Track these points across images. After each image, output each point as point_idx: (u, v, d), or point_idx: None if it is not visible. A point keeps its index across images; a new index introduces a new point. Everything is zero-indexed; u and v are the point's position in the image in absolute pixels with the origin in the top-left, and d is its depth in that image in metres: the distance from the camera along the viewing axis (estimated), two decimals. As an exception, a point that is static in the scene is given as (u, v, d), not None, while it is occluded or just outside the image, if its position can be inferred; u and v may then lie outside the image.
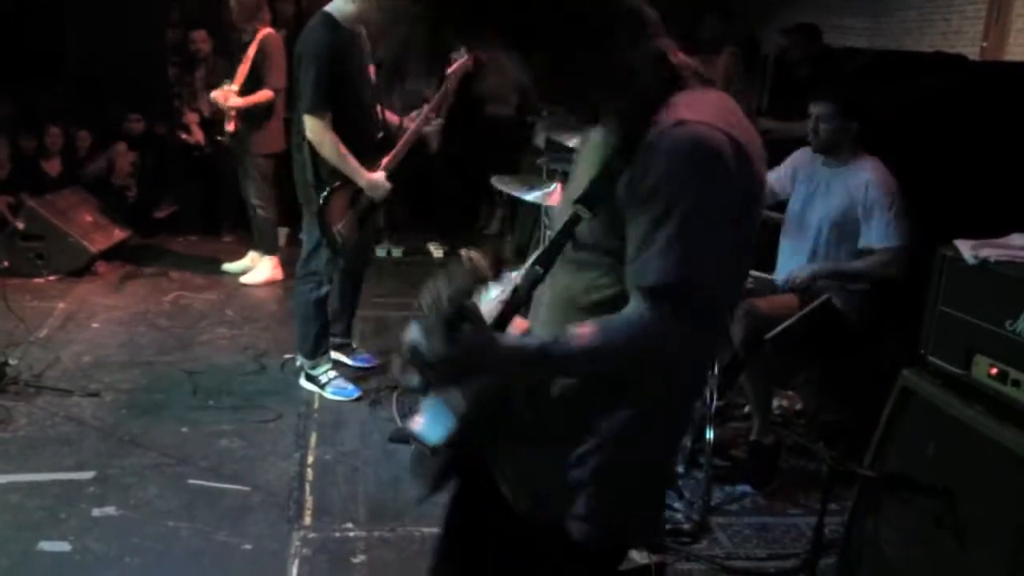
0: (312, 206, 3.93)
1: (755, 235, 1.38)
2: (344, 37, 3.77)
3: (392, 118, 4.11)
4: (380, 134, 4.02)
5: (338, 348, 4.46)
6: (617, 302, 1.35)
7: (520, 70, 1.31)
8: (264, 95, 5.66)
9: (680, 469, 3.58)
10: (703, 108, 1.29)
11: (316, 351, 4.22)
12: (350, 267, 4.29)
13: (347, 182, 3.88)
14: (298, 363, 4.40)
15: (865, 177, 3.53)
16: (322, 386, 4.23)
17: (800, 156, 3.78)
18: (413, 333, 1.32)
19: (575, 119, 1.43)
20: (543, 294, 1.48)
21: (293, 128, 4.05)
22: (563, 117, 1.45)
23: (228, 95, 5.65)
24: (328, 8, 3.82)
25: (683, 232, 1.25)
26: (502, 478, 1.54)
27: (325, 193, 3.85)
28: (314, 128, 3.76)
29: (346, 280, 4.36)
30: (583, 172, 1.43)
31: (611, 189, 1.32)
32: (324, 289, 4.13)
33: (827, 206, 3.60)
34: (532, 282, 1.41)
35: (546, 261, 1.41)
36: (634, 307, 1.31)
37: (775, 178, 3.75)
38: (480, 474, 1.57)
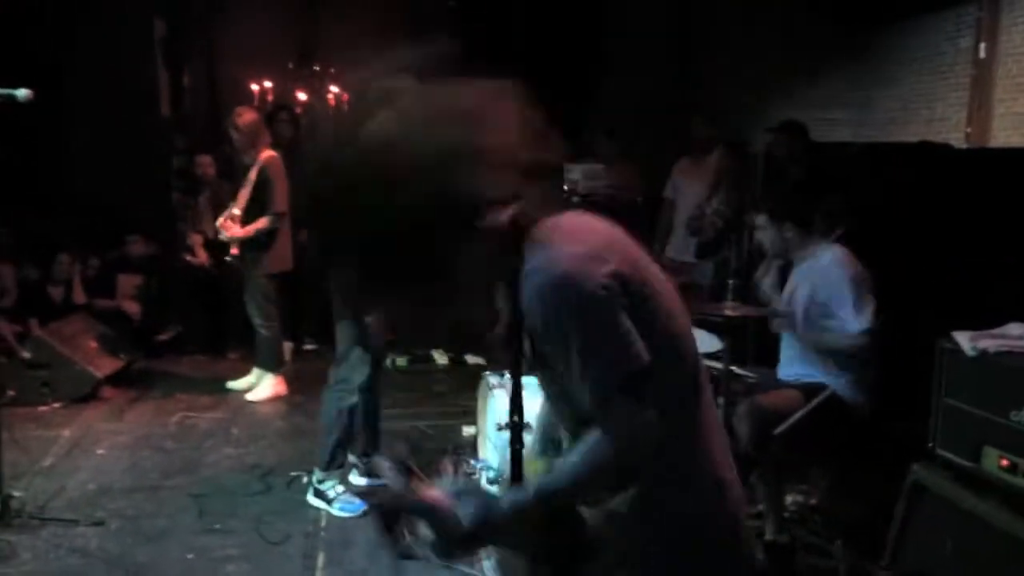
0: (349, 312, 3.98)
1: (657, 291, 1.51)
2: None
3: None
4: None
5: (370, 472, 4.42)
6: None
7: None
8: (263, 223, 5.76)
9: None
10: (542, 244, 1.46)
11: (332, 463, 4.19)
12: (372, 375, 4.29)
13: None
14: (305, 479, 4.36)
15: (830, 269, 3.59)
16: (329, 501, 4.17)
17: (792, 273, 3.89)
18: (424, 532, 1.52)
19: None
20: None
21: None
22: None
23: (229, 225, 5.76)
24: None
25: (588, 352, 1.42)
26: None
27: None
28: None
29: (367, 391, 4.33)
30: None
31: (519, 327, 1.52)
32: (354, 398, 4.13)
33: (800, 297, 3.67)
34: (518, 431, 1.63)
35: (517, 407, 1.63)
36: (592, 436, 1.45)
37: (784, 300, 3.85)
38: None
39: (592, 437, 1.45)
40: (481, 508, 1.47)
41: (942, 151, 4.80)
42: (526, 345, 1.54)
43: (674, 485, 1.53)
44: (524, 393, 1.63)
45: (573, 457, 1.48)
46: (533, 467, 1.66)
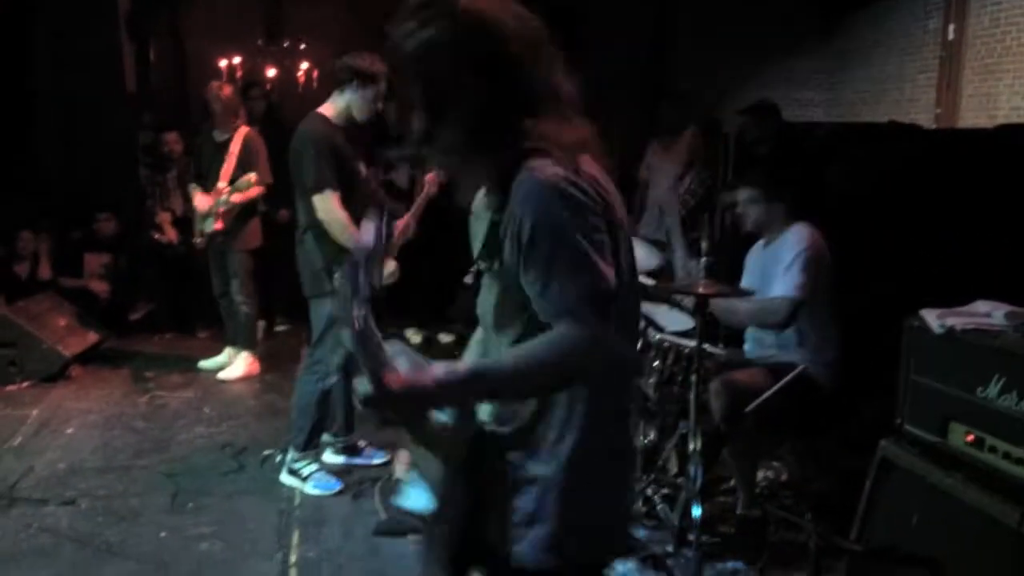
0: (324, 292, 3.96)
1: (627, 251, 1.60)
2: (338, 134, 3.94)
3: None
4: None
5: (345, 450, 4.43)
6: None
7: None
8: (257, 191, 5.73)
9: (669, 548, 3.55)
10: (551, 162, 1.52)
11: (309, 444, 4.19)
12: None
13: None
14: (278, 458, 4.35)
15: (785, 240, 3.64)
16: (304, 479, 4.17)
17: (751, 253, 3.94)
18: (361, 386, 1.49)
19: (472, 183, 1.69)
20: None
21: (299, 218, 4.08)
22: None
23: (216, 195, 5.70)
24: (320, 110, 4.02)
25: (572, 255, 1.47)
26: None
27: (338, 275, 3.90)
28: (325, 207, 3.86)
29: (344, 370, 4.32)
30: (479, 232, 1.67)
31: (496, 239, 1.57)
32: (330, 380, 4.12)
33: (757, 277, 3.72)
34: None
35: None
36: (560, 328, 1.48)
37: (746, 286, 3.89)
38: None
39: (556, 332, 1.47)
40: (417, 366, 1.49)
41: (911, 131, 4.86)
42: (503, 248, 1.57)
43: (608, 423, 1.60)
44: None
45: (529, 346, 1.50)
46: None
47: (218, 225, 5.79)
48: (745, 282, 3.94)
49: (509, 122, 1.56)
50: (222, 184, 5.72)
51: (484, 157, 1.60)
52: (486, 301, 1.67)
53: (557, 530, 1.58)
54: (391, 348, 1.51)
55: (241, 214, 5.80)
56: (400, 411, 1.50)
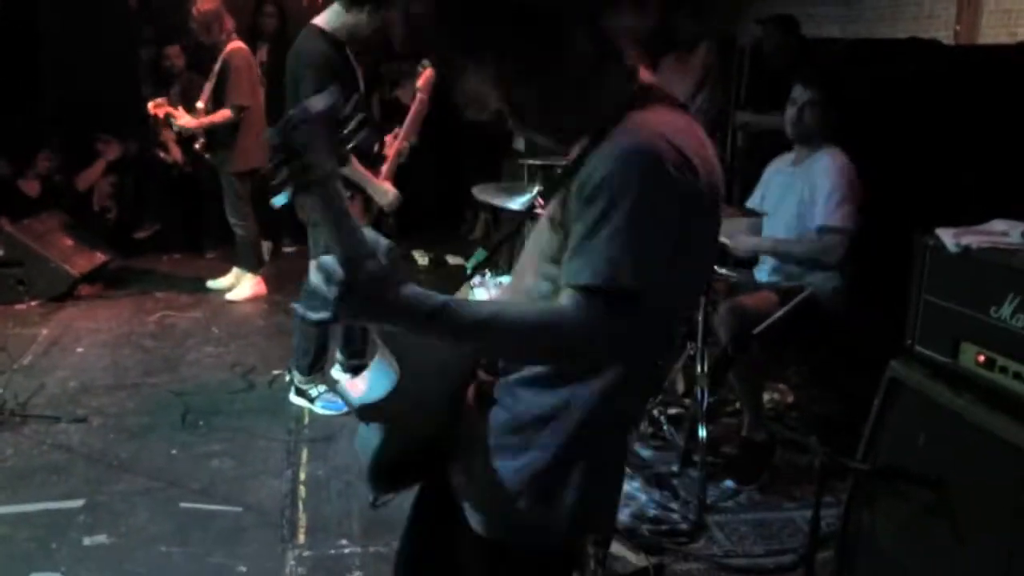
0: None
1: (706, 246, 1.43)
2: (336, 48, 3.76)
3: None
4: (376, 147, 4.03)
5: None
6: None
7: (497, 95, 1.38)
8: (219, 116, 5.59)
9: (675, 468, 3.58)
10: (655, 122, 1.35)
11: (313, 367, 4.20)
12: None
13: (355, 191, 3.85)
14: (287, 378, 4.38)
15: (823, 164, 3.55)
16: (312, 400, 4.20)
17: (771, 167, 3.83)
18: (323, 262, 1.27)
19: (549, 140, 1.47)
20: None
21: None
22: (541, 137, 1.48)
23: (179, 114, 5.61)
24: (316, 21, 3.82)
25: (619, 233, 1.28)
26: (459, 490, 1.55)
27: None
28: None
29: None
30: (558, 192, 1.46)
31: (569, 181, 1.37)
32: None
33: (793, 199, 3.64)
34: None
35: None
36: (563, 300, 1.32)
37: (755, 203, 3.80)
38: (442, 488, 1.58)
39: (561, 306, 1.32)
40: (394, 272, 1.28)
41: (931, 47, 4.72)
42: (553, 201, 1.44)
43: (609, 421, 1.47)
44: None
45: (532, 308, 1.37)
46: None
47: (198, 145, 5.72)
48: (760, 199, 3.85)
49: (616, 52, 1.37)
50: (200, 104, 5.62)
51: (585, 114, 1.39)
52: (532, 247, 1.51)
53: (545, 505, 1.45)
54: (370, 236, 1.31)
55: (222, 136, 5.67)
56: (353, 311, 1.27)
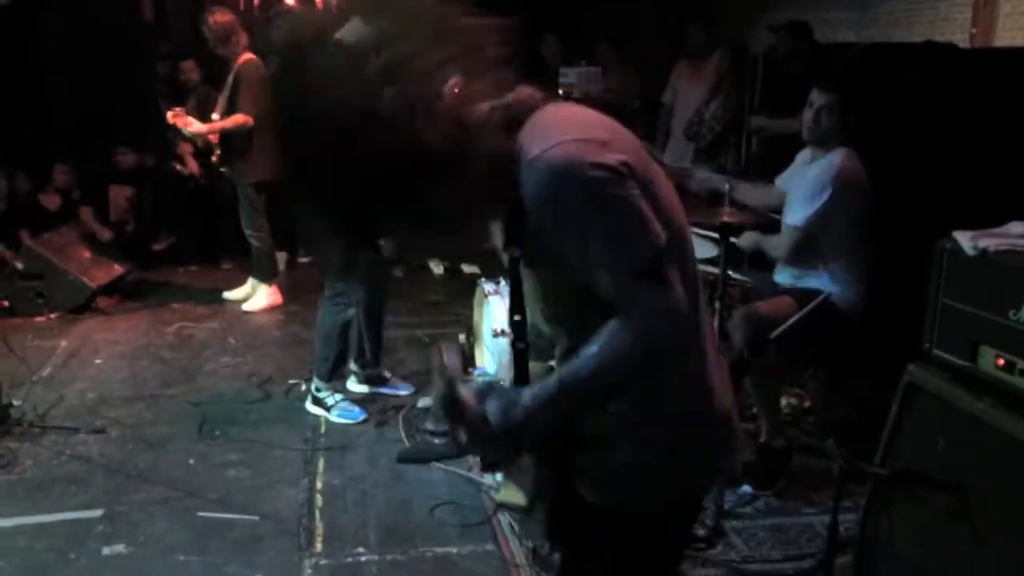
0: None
1: (660, 184, 1.45)
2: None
3: None
4: None
5: (370, 380, 4.45)
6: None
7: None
8: (232, 120, 5.60)
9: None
10: (542, 133, 1.38)
11: (333, 374, 4.22)
12: (374, 288, 4.27)
13: None
14: (303, 387, 4.39)
15: (823, 165, 3.54)
16: (328, 408, 4.21)
17: (799, 158, 3.81)
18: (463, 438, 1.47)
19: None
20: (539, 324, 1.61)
21: None
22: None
23: (189, 121, 5.63)
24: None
25: (605, 232, 1.35)
26: (578, 482, 1.61)
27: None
28: None
29: (372, 304, 4.32)
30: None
31: (522, 223, 1.42)
32: (352, 311, 4.14)
33: (801, 201, 3.63)
34: (521, 330, 1.54)
35: (518, 307, 1.54)
36: (627, 319, 1.38)
37: (785, 178, 3.81)
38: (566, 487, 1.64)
39: (613, 324, 1.38)
40: (505, 402, 1.42)
41: (947, 51, 4.69)
42: (525, 245, 1.48)
43: (674, 383, 1.51)
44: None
45: (595, 346, 1.40)
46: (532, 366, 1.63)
47: (213, 158, 5.75)
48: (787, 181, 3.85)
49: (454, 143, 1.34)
50: (215, 116, 5.66)
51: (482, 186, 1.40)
52: (532, 297, 1.56)
53: (637, 466, 1.54)
54: (474, 389, 1.46)
55: (236, 147, 5.69)
56: (504, 454, 1.50)
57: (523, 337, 1.55)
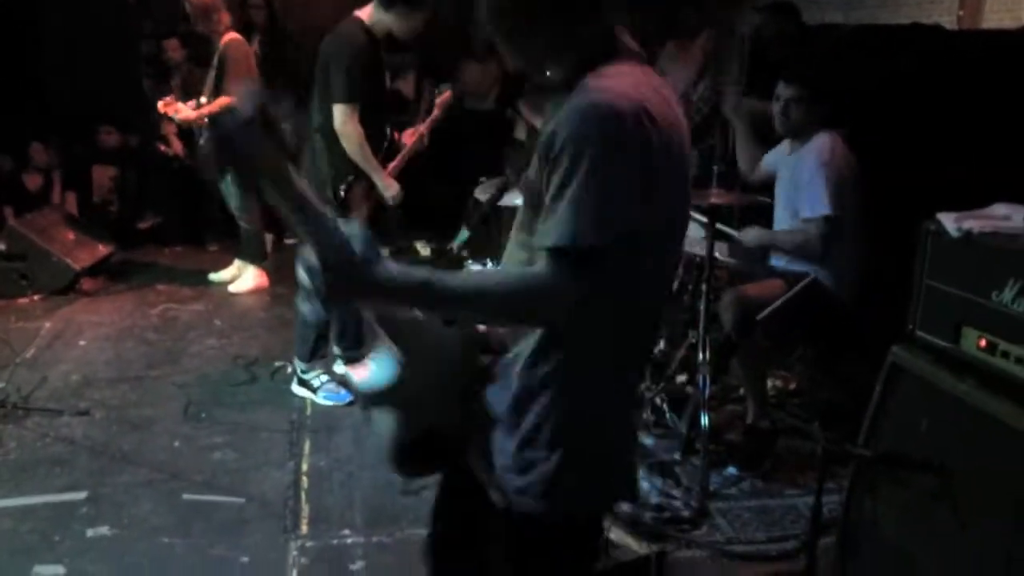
0: (327, 198, 3.90)
1: (673, 194, 1.46)
2: (373, 45, 3.87)
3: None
4: (386, 143, 4.12)
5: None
6: None
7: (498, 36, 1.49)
8: (219, 103, 5.54)
9: (677, 455, 3.57)
10: (619, 78, 1.41)
11: (313, 354, 4.20)
12: None
13: (361, 178, 3.93)
14: (289, 369, 4.38)
15: (809, 153, 3.54)
16: (315, 390, 4.20)
17: (776, 153, 3.81)
18: (303, 257, 1.34)
19: (534, 84, 1.57)
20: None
21: (312, 118, 4.03)
22: (533, 95, 1.57)
23: (179, 108, 5.58)
24: (359, 13, 3.92)
25: (580, 194, 1.34)
26: (478, 471, 1.57)
27: (347, 183, 3.89)
28: (343, 118, 3.81)
29: None
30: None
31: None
32: None
33: (786, 188, 3.63)
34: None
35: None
36: (538, 263, 1.39)
37: (771, 160, 3.79)
38: (464, 471, 1.60)
39: (533, 270, 1.39)
40: (374, 253, 1.33)
41: (933, 33, 4.68)
42: (530, 169, 1.50)
43: (595, 386, 1.50)
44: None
45: (510, 273, 1.44)
46: None
47: (201, 141, 5.70)
48: (769, 166, 3.83)
49: (586, 13, 1.45)
50: (203, 99, 5.60)
51: (560, 54, 1.48)
52: (517, 219, 1.57)
53: (551, 477, 1.48)
54: (345, 225, 1.35)
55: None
56: (339, 296, 1.33)
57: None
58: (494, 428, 1.52)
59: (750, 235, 3.72)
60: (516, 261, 1.56)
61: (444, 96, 4.44)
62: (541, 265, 1.38)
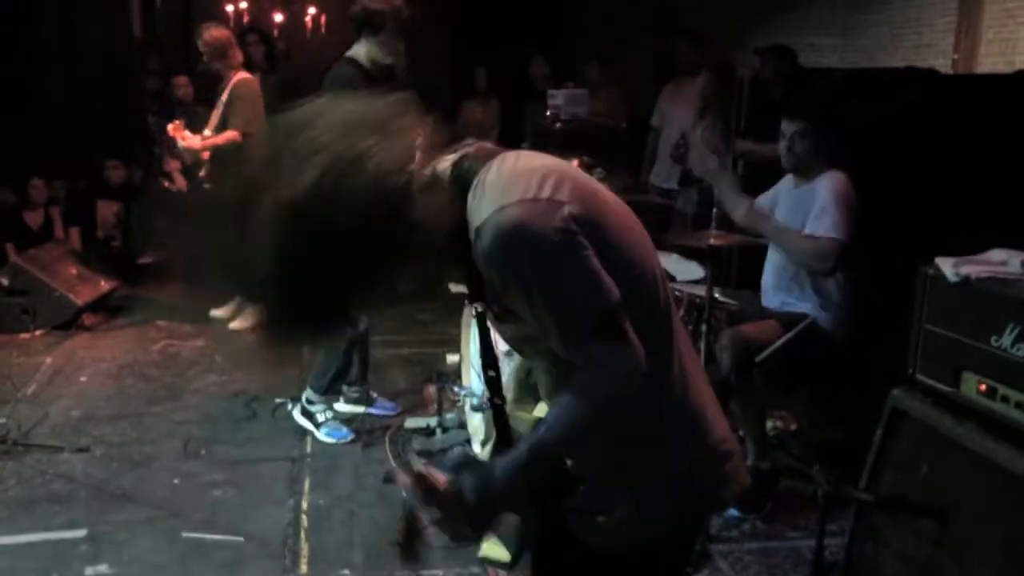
0: None
1: (611, 219, 1.43)
2: (368, 81, 3.92)
3: None
4: None
5: (357, 401, 4.44)
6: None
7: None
8: (225, 136, 5.59)
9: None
10: (491, 194, 1.37)
11: (330, 388, 4.23)
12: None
13: None
14: (290, 407, 4.38)
15: (823, 184, 3.56)
16: (317, 425, 4.20)
17: (783, 182, 3.83)
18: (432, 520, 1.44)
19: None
20: (538, 375, 1.63)
21: None
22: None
23: (186, 136, 5.62)
24: (351, 54, 4.01)
25: (551, 298, 1.35)
26: (573, 524, 1.62)
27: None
28: None
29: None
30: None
31: (480, 282, 1.45)
32: (363, 326, 4.15)
33: (787, 215, 3.65)
34: (496, 386, 1.56)
35: (490, 361, 1.55)
36: (578, 370, 1.40)
37: (765, 200, 3.82)
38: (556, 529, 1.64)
39: (578, 382, 1.40)
40: (481, 478, 1.39)
41: (928, 76, 4.76)
42: (490, 302, 1.50)
43: (659, 425, 1.52)
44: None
45: (560, 407, 1.41)
46: (516, 416, 1.62)
47: (202, 173, 5.74)
48: (770, 202, 3.85)
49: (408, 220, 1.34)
50: (207, 132, 5.66)
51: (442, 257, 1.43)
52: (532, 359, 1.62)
53: (635, 513, 1.54)
54: (449, 467, 1.43)
55: (225, 162, 5.67)
56: (483, 526, 1.46)
57: (499, 392, 1.55)
58: (580, 480, 1.57)
59: (741, 210, 3.69)
60: (545, 373, 1.59)
61: None
62: (580, 366, 1.39)
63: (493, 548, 1.60)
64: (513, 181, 1.38)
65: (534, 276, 1.35)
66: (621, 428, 1.45)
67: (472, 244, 1.39)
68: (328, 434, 4.18)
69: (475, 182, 1.41)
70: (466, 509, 1.39)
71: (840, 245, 3.44)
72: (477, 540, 1.50)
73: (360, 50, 3.98)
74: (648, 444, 1.51)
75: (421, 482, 1.40)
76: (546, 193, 1.36)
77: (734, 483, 1.61)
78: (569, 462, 1.56)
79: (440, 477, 1.40)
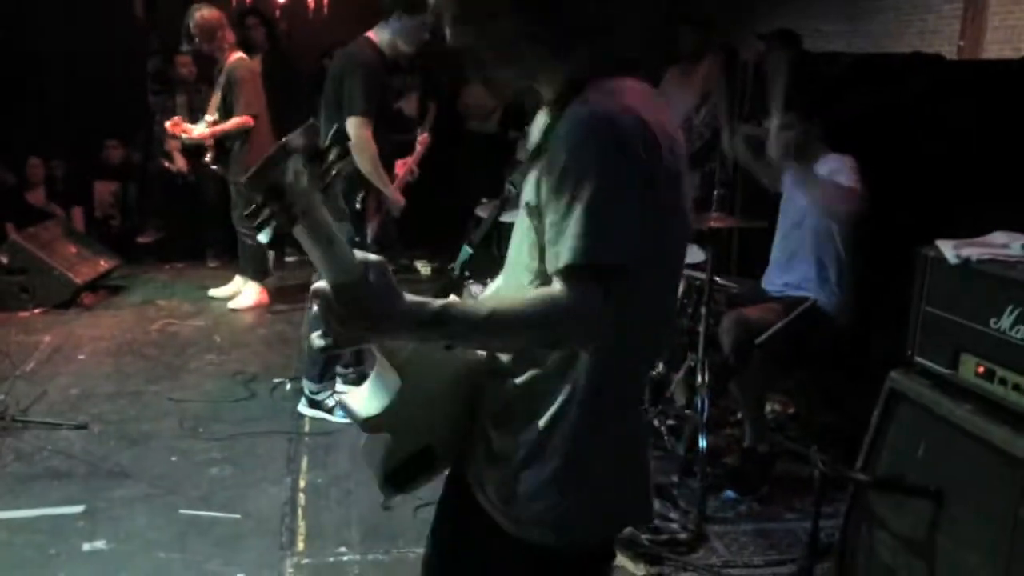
0: (342, 214, 3.91)
1: (674, 214, 1.41)
2: (383, 66, 3.97)
3: None
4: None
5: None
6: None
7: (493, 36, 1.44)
8: (234, 122, 5.59)
9: (675, 478, 3.57)
10: (617, 93, 1.37)
11: (324, 375, 4.22)
12: None
13: (371, 191, 4.00)
14: (288, 386, 4.38)
15: (835, 160, 3.54)
16: (328, 410, 4.19)
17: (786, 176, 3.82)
18: (318, 290, 1.28)
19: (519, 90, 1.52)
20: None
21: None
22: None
23: (188, 128, 5.62)
24: (370, 35, 4.01)
25: (590, 211, 1.28)
26: (479, 492, 1.54)
27: (361, 197, 3.94)
28: (359, 133, 3.84)
29: None
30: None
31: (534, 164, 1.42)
32: None
33: (797, 208, 3.63)
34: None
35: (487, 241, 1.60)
36: (554, 286, 1.33)
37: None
38: (464, 488, 1.57)
39: (547, 293, 1.32)
40: (404, 296, 1.27)
41: (934, 62, 4.73)
42: (517, 183, 1.47)
43: (614, 406, 1.46)
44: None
45: (525, 299, 1.35)
46: None
47: (207, 158, 5.74)
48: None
49: (584, 25, 1.43)
50: (208, 117, 5.64)
51: (546, 62, 1.44)
52: (515, 235, 1.52)
53: (561, 506, 1.45)
54: (359, 255, 1.29)
55: (232, 146, 5.68)
56: (352, 328, 1.26)
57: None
58: (499, 456, 1.49)
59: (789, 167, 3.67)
60: (517, 284, 1.49)
61: (423, 137, 4.75)
62: (558, 287, 1.31)
63: (362, 398, 1.47)
64: (635, 94, 1.39)
65: (595, 167, 1.29)
66: (572, 394, 1.41)
67: (569, 102, 1.37)
68: (343, 416, 4.16)
69: (598, 83, 1.40)
70: (369, 298, 1.25)
71: (858, 195, 3.43)
72: (364, 342, 1.33)
73: (384, 33, 3.95)
74: (591, 427, 1.44)
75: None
76: (655, 124, 1.35)
77: (646, 515, 1.65)
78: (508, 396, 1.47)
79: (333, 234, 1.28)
